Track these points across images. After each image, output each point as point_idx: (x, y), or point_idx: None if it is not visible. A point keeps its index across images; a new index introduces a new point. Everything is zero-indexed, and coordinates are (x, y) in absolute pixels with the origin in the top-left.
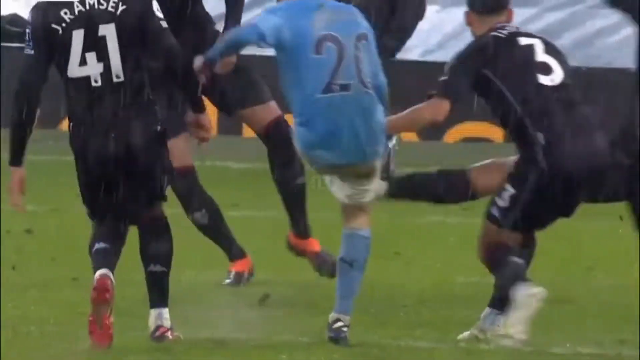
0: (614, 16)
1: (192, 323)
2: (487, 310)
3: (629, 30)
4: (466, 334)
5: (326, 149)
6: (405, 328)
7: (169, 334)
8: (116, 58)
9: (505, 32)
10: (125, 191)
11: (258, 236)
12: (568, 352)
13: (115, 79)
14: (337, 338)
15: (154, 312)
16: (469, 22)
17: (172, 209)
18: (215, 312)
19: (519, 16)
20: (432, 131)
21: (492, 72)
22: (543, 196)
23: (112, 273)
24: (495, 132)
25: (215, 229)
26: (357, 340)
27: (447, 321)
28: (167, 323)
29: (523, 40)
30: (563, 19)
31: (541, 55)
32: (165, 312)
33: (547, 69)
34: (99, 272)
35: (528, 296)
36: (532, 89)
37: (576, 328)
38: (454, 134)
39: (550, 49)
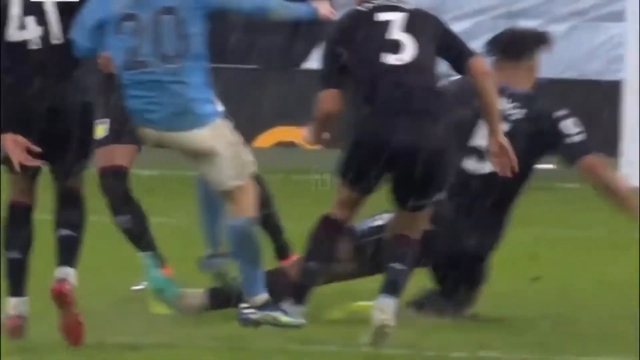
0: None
1: (102, 327)
2: (380, 296)
3: None
4: (366, 337)
5: (141, 122)
6: (313, 333)
7: (68, 286)
8: (55, 21)
9: (370, 5)
10: (51, 153)
11: (168, 242)
12: (469, 356)
13: (53, 42)
14: (240, 315)
15: (60, 269)
16: None
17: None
18: (126, 316)
19: None
20: (243, 136)
21: (344, 47)
22: (354, 159)
23: (25, 296)
24: None
25: (138, 235)
26: (264, 345)
27: (355, 325)
28: (72, 280)
29: (382, 16)
30: (468, 28)
31: (396, 33)
32: (72, 271)
33: (396, 47)
34: (14, 310)
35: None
36: (373, 66)
37: (477, 332)
38: (266, 139)
39: (415, 27)
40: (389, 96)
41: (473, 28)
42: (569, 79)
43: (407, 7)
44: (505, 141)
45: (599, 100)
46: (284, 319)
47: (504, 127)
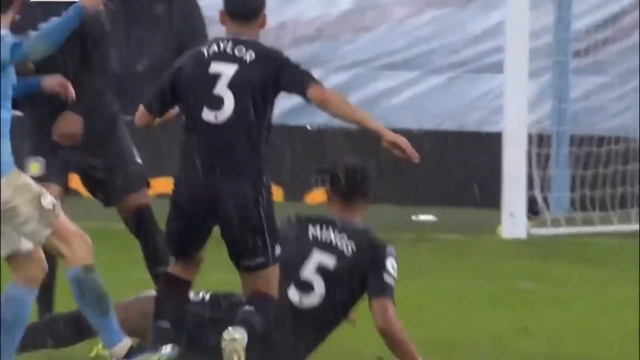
0: (395, 78)
1: None
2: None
3: (410, 92)
4: None
5: None
6: None
7: None
8: None
9: (213, 49)
10: None
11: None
12: None
13: None
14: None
15: None
16: (222, 22)
17: None
18: None
19: None
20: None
21: (176, 87)
22: (172, 220)
23: None
24: None
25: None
26: None
27: None
28: None
29: (215, 67)
30: (347, 80)
31: (221, 88)
32: None
33: (217, 104)
34: None
35: None
36: (195, 121)
37: None
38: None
39: (245, 81)
40: (201, 154)
41: (352, 80)
42: (448, 130)
43: (246, 56)
44: (392, 135)
45: (479, 151)
46: (155, 356)
47: (331, 261)
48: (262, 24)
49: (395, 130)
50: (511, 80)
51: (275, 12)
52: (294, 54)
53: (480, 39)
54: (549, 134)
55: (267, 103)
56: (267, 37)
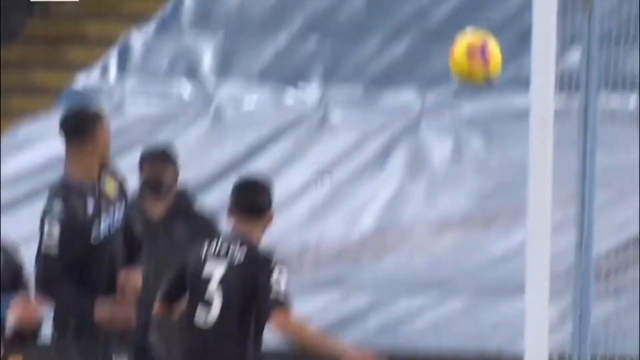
0: (416, 300)
1: None
2: None
3: (431, 315)
4: None
5: None
6: None
7: None
8: None
9: (210, 249)
10: None
11: None
12: None
13: None
14: None
15: None
16: (229, 216)
17: None
18: None
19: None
20: None
21: (185, 286)
22: None
23: None
24: None
25: None
26: None
27: None
28: None
29: (208, 268)
30: (368, 302)
31: (211, 289)
32: None
33: (209, 305)
34: None
35: None
36: (187, 325)
37: None
38: None
39: (232, 283)
40: (191, 356)
41: (372, 302)
42: (469, 353)
43: (235, 257)
44: (353, 354)
45: None
46: None
47: None
48: (268, 222)
49: (416, 354)
50: (532, 303)
51: (297, 233)
52: (316, 276)
53: (500, 261)
54: (569, 356)
55: (252, 306)
56: (289, 259)
